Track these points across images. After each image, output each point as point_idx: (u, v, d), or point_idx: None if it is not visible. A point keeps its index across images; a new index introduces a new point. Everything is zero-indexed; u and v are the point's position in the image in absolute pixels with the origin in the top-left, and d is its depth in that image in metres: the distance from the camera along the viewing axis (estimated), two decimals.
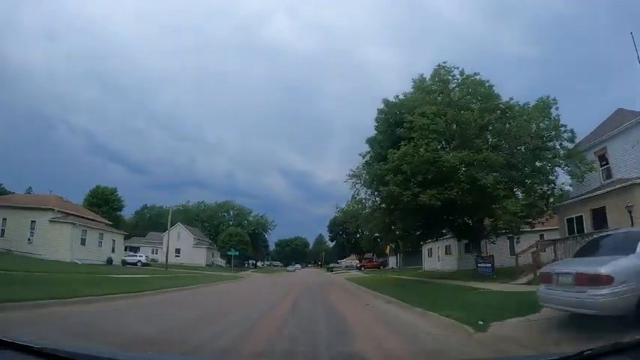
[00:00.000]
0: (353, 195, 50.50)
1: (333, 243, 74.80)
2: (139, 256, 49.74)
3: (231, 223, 69.08)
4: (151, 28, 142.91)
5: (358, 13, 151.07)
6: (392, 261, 58.79)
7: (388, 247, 64.35)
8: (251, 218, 74.73)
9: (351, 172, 51.58)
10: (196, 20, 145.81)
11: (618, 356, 2.04)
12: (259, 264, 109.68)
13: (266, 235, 79.93)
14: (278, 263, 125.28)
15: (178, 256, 59.47)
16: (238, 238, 50.83)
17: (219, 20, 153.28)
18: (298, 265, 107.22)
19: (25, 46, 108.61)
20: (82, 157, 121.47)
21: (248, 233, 75.11)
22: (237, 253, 43.79)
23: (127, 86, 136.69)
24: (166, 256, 38.84)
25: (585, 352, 1.97)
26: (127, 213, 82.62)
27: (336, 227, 70.62)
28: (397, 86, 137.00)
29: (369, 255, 75.39)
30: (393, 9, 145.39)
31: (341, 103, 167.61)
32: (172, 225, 63.88)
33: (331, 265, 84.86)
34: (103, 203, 72.52)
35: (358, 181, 51.72)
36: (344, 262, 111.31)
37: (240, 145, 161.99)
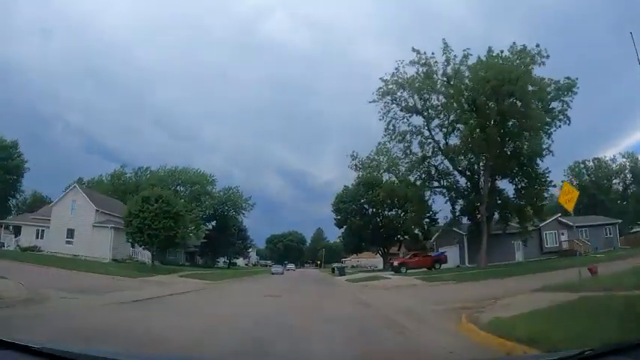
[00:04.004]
0: (386, 129, 23.58)
1: (341, 232, 48.50)
2: None
3: (183, 200, 43.35)
4: (146, 24, 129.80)
5: (355, 11, 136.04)
6: (452, 255, 33.21)
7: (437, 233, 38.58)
8: (217, 191, 48.86)
9: (384, 87, 24.62)
10: (192, 17, 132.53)
11: (618, 356, 1.98)
12: (242, 262, 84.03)
13: (240, 219, 54.08)
14: (269, 262, 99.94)
15: (71, 242, 33.75)
16: (161, 207, 25.34)
17: (215, 17, 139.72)
18: (292, 266, 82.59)
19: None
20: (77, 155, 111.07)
21: (211, 214, 49.44)
22: None
23: (121, 83, 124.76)
24: None
25: (586, 352, 1.99)
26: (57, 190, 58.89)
27: (346, 205, 44.63)
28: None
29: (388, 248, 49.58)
30: (389, 6, 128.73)
31: (337, 102, 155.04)
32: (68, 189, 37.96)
33: (337, 265, 58.87)
34: None
35: (394, 103, 24.09)
36: (350, 260, 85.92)
37: (235, 143, 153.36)
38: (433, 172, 29.76)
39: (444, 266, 31.70)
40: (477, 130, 23.34)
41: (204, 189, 46.50)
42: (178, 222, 25.67)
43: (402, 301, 12.79)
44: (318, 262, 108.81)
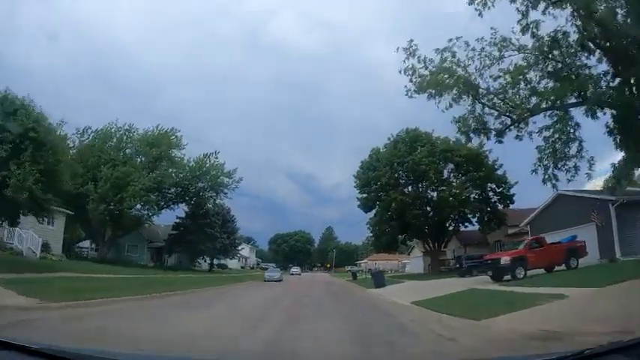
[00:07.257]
0: None
1: (370, 217, 31.61)
2: None
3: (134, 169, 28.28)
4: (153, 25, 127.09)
5: (365, 11, 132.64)
6: (590, 239, 17.47)
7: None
8: (185, 159, 33.12)
9: None
10: (200, 19, 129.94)
11: (618, 356, 1.96)
12: (236, 265, 68.93)
13: (223, 203, 38.87)
14: (272, 265, 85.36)
15: None
16: None
17: (223, 18, 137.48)
18: (297, 269, 68.71)
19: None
20: None
21: (180, 193, 34.37)
22: None
23: (128, 85, 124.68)
24: None
25: (585, 352, 1.94)
26: None
27: (378, 173, 28.79)
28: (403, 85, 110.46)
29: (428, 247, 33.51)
30: (399, 5, 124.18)
31: (346, 104, 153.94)
32: None
33: (352, 268, 43.76)
34: None
35: None
36: (366, 263, 70.85)
37: (243, 145, 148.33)
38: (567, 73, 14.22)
39: (581, 262, 16.20)
40: None
41: (166, 153, 31.01)
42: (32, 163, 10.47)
43: None
44: (328, 266, 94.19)
